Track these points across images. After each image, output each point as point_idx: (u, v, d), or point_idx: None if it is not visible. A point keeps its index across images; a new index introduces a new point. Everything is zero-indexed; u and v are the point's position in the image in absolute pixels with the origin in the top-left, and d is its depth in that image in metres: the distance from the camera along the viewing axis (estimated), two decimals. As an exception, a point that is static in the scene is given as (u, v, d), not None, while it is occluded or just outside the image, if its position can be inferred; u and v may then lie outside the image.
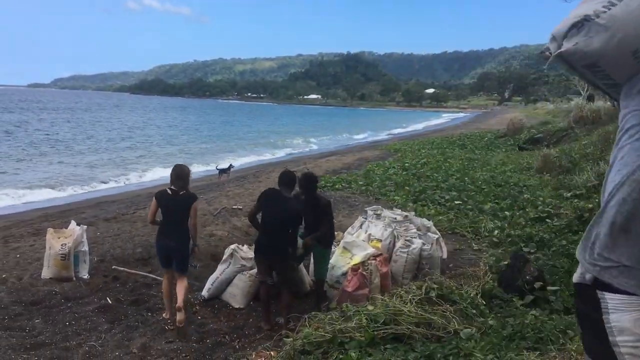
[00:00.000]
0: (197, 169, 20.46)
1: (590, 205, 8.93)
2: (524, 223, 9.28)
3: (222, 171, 17.38)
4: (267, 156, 28.23)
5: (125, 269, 7.14)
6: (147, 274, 7.09)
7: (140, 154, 26.99)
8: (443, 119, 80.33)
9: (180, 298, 5.40)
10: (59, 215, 11.34)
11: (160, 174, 19.20)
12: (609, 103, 21.93)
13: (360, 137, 43.40)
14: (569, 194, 11.01)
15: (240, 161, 24.37)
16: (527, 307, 5.13)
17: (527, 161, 17.88)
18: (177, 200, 5.49)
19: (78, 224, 7.23)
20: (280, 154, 29.67)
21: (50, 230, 6.94)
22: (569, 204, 9.95)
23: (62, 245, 6.67)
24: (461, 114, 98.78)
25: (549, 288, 5.61)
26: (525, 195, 11.67)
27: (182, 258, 5.59)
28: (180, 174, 5.55)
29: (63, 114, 63.80)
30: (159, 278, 6.95)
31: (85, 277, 6.83)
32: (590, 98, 44.95)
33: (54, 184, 17.24)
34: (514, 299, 5.35)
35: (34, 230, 9.40)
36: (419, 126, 61.72)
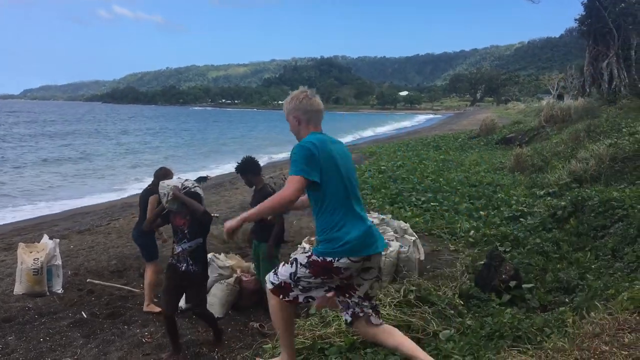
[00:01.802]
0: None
1: (563, 203, 9.08)
2: (498, 222, 9.39)
3: (198, 180, 17.28)
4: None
5: (100, 282, 7.03)
6: (123, 287, 6.98)
7: (119, 164, 26.64)
8: (417, 121, 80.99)
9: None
10: (30, 229, 11.13)
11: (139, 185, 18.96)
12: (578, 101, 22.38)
13: (344, 140, 43.19)
14: (542, 192, 11.18)
15: (219, 169, 24.17)
16: (504, 306, 5.18)
17: (500, 161, 18.12)
18: (142, 195, 6.40)
19: (50, 238, 7.09)
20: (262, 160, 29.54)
21: (21, 244, 6.80)
22: (542, 202, 10.09)
23: (34, 259, 6.54)
24: (435, 116, 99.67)
25: (524, 286, 5.68)
26: (499, 195, 11.81)
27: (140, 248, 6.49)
28: (155, 173, 6.29)
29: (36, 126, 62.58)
30: (135, 290, 6.86)
31: (59, 291, 6.70)
32: (560, 97, 45.83)
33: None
34: (491, 299, 5.40)
35: (5, 245, 9.21)
36: (395, 127, 62.18)
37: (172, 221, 4.92)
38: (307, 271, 3.26)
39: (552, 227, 8.50)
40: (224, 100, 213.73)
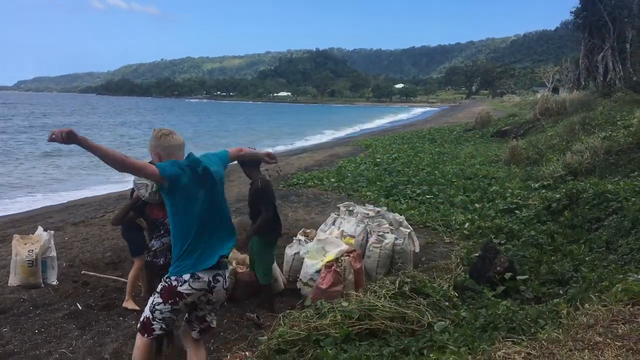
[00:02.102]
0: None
1: (558, 196, 9.11)
2: (493, 215, 9.41)
3: None
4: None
5: (95, 274, 7.02)
6: (118, 278, 6.97)
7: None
8: (414, 113, 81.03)
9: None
10: (25, 221, 11.09)
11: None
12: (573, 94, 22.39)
13: (340, 133, 43.20)
14: (536, 185, 11.21)
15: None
16: (499, 298, 5.21)
17: (495, 153, 18.15)
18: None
19: (45, 229, 7.05)
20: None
21: (16, 236, 6.76)
22: (537, 195, 10.12)
23: (28, 251, 6.50)
24: (431, 109, 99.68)
25: (519, 278, 5.70)
26: (494, 187, 11.84)
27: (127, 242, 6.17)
28: None
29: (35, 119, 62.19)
30: (130, 282, 6.85)
31: (54, 283, 6.67)
32: (555, 90, 45.89)
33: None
34: (485, 290, 5.42)
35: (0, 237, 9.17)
36: (389, 120, 62.13)
37: (149, 214, 4.57)
38: (160, 298, 3.41)
39: (547, 220, 8.54)
40: (219, 93, 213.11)
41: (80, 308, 6.00)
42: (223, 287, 3.46)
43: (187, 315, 3.64)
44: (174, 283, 3.32)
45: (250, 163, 5.81)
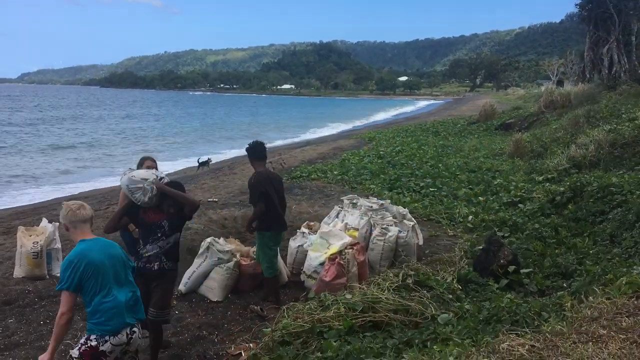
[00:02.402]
0: (172, 164, 20.28)
1: (562, 189, 9.09)
2: (497, 208, 9.40)
3: (202, 164, 17.38)
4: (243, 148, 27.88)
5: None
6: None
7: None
8: (419, 106, 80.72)
9: None
10: (30, 213, 11.13)
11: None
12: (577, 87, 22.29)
13: (347, 126, 43.05)
14: (540, 178, 11.19)
15: (219, 154, 24.08)
16: (502, 291, 5.21)
17: (499, 146, 18.10)
18: None
19: (50, 221, 7.09)
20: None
21: (21, 228, 6.80)
22: (541, 188, 10.10)
23: (33, 243, 6.55)
24: (436, 101, 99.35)
25: (522, 271, 5.71)
26: (498, 180, 11.82)
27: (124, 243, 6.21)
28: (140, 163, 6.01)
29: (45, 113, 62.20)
30: (134, 273, 6.88)
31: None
32: (559, 83, 45.70)
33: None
34: (489, 283, 5.43)
35: (4, 229, 9.21)
36: (395, 113, 61.97)
37: (144, 218, 4.37)
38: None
39: (551, 213, 8.52)
40: (222, 85, 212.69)
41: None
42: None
43: None
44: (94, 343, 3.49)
45: (254, 155, 5.84)
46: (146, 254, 4.33)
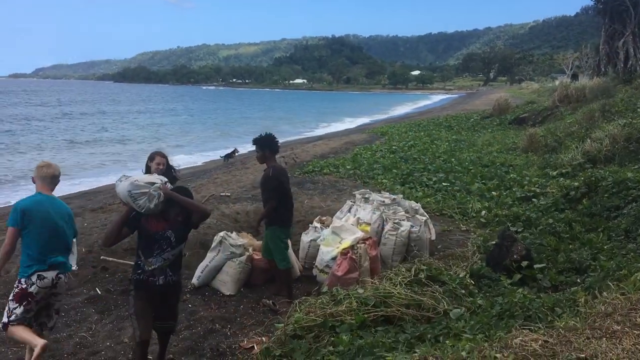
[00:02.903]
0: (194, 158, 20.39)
1: (576, 184, 9.01)
2: (510, 203, 9.35)
3: (227, 156, 17.48)
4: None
5: (114, 259, 7.10)
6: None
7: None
8: (433, 100, 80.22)
9: None
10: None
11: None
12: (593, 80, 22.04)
13: (365, 120, 42.88)
14: (554, 173, 11.10)
15: (233, 148, 24.06)
16: (515, 286, 5.19)
17: (513, 141, 17.98)
18: None
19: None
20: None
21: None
22: (555, 183, 10.03)
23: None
24: (451, 96, 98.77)
25: (536, 266, 5.67)
26: (511, 175, 11.75)
27: None
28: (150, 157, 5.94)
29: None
30: (148, 267, 6.94)
31: (74, 268, 6.73)
32: (574, 76, 45.25)
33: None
34: (502, 278, 5.40)
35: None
36: (416, 106, 61.67)
37: (146, 227, 3.98)
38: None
39: (565, 208, 8.46)
40: (234, 80, 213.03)
41: (99, 293, 6.10)
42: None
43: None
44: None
45: (270, 148, 5.83)
46: (149, 268, 3.94)
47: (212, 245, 6.46)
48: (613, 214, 7.45)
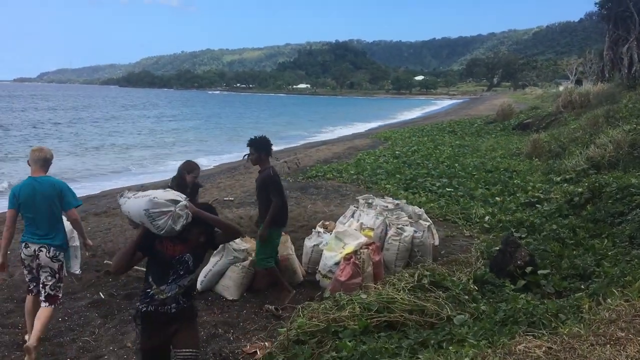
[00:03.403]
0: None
1: (580, 189, 8.99)
2: (514, 208, 9.33)
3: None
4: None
5: (117, 263, 7.11)
6: (140, 268, 7.03)
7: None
8: (440, 105, 79.89)
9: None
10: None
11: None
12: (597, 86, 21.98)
13: (367, 126, 42.69)
14: (558, 179, 11.08)
15: (234, 153, 24.12)
16: (519, 292, 5.17)
17: (516, 146, 17.96)
18: None
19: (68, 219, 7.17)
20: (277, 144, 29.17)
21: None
22: (559, 189, 10.01)
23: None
24: (451, 101, 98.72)
25: (540, 272, 5.65)
26: (515, 181, 11.73)
27: None
28: (182, 168, 5.99)
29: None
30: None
31: (77, 272, 6.76)
32: (578, 82, 45.19)
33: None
34: (505, 284, 5.38)
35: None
36: (425, 111, 61.49)
37: (161, 250, 3.41)
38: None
39: (569, 214, 8.44)
40: (238, 85, 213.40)
41: (102, 297, 6.10)
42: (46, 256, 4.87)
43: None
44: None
45: (266, 150, 5.86)
46: (161, 297, 3.37)
47: (216, 250, 6.45)
48: (617, 220, 7.42)
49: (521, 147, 17.29)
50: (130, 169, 20.48)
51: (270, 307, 5.72)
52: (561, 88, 39.90)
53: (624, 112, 16.23)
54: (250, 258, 6.29)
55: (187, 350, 3.42)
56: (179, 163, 6.42)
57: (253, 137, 6.01)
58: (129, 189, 3.95)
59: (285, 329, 4.42)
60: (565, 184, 10.36)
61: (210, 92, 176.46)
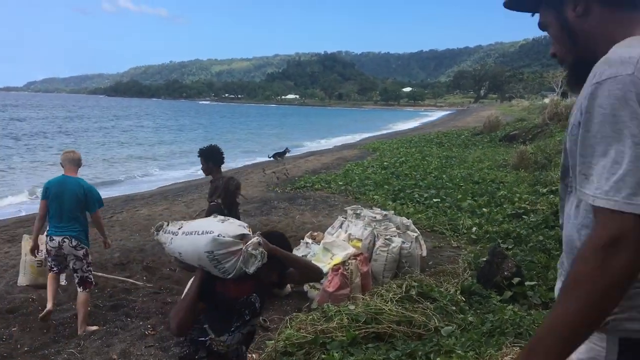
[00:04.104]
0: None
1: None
2: (501, 219, 9.38)
3: (277, 155, 17.59)
4: (252, 157, 27.37)
5: (104, 274, 7.06)
6: (126, 279, 7.02)
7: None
8: (435, 117, 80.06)
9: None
10: (34, 221, 11.16)
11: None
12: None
13: (355, 137, 42.72)
14: (544, 190, 11.16)
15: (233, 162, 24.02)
16: (506, 303, 5.19)
17: (503, 158, 18.10)
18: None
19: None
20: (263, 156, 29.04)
21: (25, 236, 6.80)
22: (545, 200, 10.08)
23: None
24: (449, 111, 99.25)
25: (527, 283, 5.68)
26: (502, 192, 11.79)
27: None
28: (227, 185, 5.74)
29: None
30: (138, 283, 6.90)
31: (63, 283, 6.71)
32: (564, 94, 45.72)
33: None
34: (492, 295, 5.41)
35: (9, 237, 9.24)
36: (420, 122, 61.77)
37: (223, 293, 2.70)
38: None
39: (555, 225, 8.48)
40: (227, 95, 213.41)
41: (88, 309, 6.03)
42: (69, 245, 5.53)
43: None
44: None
45: (215, 159, 5.88)
46: (222, 349, 2.72)
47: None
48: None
49: (508, 158, 17.42)
50: (134, 175, 20.61)
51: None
52: (547, 100, 40.31)
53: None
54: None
55: None
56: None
57: (203, 147, 6.01)
58: (167, 221, 2.91)
59: (272, 340, 4.40)
60: (552, 195, 10.43)
61: (200, 102, 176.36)
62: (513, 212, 9.75)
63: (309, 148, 32.74)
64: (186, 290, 2.85)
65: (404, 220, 7.57)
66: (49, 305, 5.43)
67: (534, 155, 15.80)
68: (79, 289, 5.55)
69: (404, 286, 5.21)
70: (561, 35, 1.57)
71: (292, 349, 4.21)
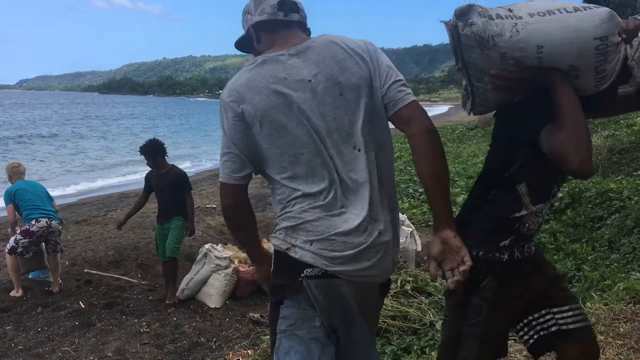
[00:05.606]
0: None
1: (560, 195, 9.09)
2: (495, 214, 9.39)
3: None
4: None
5: (98, 272, 7.04)
6: (120, 277, 7.00)
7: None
8: (439, 111, 79.97)
9: None
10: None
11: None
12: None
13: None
14: (539, 184, 11.19)
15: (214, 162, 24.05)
16: (501, 297, 5.19)
17: (498, 152, 18.11)
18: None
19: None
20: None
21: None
22: (539, 194, 10.11)
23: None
24: (452, 105, 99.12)
25: (521, 277, 5.69)
26: (496, 186, 11.81)
27: None
28: None
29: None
30: (132, 280, 6.88)
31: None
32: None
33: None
34: (487, 289, 5.41)
35: (2, 236, 9.19)
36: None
37: None
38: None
39: (549, 219, 8.51)
40: (220, 92, 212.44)
41: (82, 306, 6.02)
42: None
43: None
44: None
45: (156, 154, 6.04)
46: (533, 226, 2.01)
47: (197, 258, 6.41)
48: (597, 225, 7.51)
49: (502, 153, 17.44)
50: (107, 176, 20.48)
51: (253, 315, 5.69)
52: (541, 94, 40.32)
53: (602, 118, 16.48)
54: (232, 266, 6.26)
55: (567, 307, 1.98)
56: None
57: (145, 144, 6.11)
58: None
59: (268, 336, 4.39)
60: (546, 189, 10.46)
61: (195, 99, 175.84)
62: (507, 206, 9.77)
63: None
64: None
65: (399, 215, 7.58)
66: (54, 286, 6.39)
67: (528, 150, 15.83)
68: (58, 254, 6.50)
69: (399, 281, 5.21)
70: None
71: (288, 345, 4.19)
